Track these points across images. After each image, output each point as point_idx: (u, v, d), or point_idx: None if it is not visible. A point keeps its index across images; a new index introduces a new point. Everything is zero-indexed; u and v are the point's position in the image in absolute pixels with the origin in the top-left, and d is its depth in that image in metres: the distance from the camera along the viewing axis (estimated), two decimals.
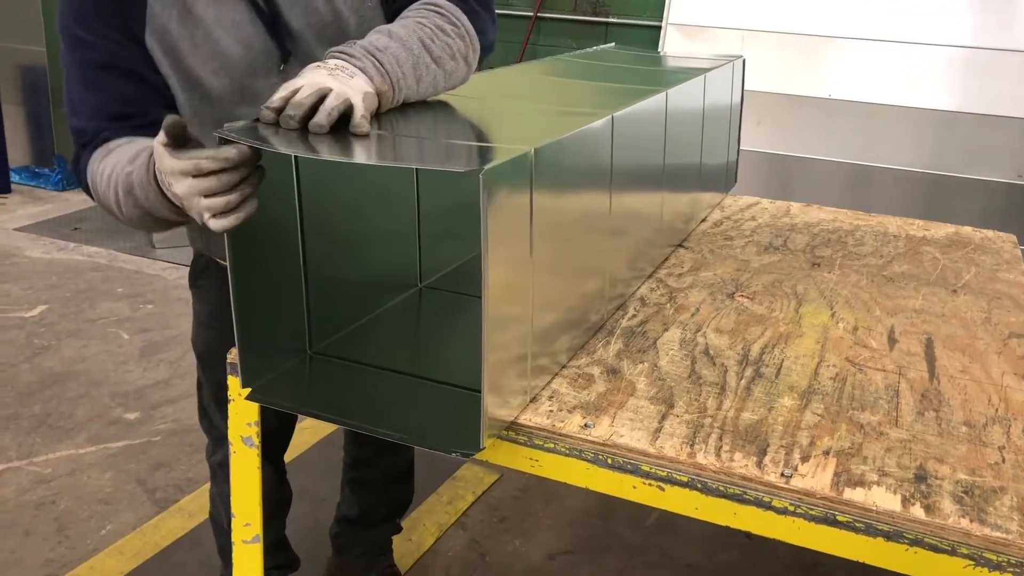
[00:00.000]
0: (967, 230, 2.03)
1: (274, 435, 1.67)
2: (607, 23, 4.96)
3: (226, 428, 1.31)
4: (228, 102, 1.32)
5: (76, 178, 1.31)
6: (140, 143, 1.21)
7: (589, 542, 2.27)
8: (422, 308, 1.50)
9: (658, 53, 2.42)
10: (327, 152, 1.06)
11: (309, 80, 1.12)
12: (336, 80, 1.13)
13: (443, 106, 1.43)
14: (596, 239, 1.40)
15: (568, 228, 1.27)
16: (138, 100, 1.28)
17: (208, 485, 1.79)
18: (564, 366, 1.29)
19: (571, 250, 1.30)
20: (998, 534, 0.95)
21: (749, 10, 4.75)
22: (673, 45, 4.68)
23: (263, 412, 1.27)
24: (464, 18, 1.32)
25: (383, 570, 2.04)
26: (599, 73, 1.94)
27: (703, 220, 2.04)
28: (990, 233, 2.01)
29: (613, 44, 2.38)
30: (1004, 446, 1.12)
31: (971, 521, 0.97)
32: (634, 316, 1.48)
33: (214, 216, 1.04)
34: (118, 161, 1.20)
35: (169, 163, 1.04)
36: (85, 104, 1.28)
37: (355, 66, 1.18)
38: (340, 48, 1.21)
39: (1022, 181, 4.13)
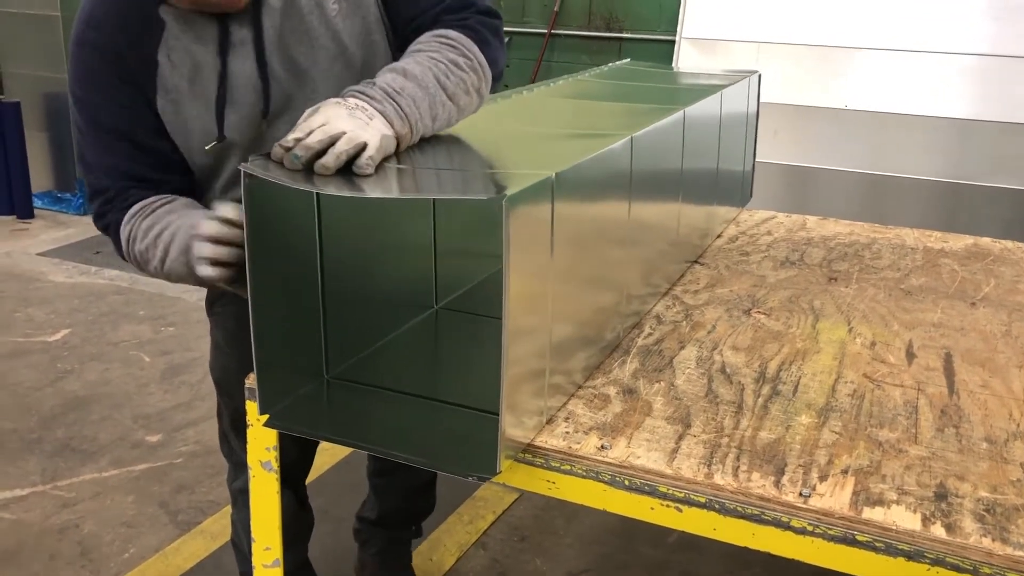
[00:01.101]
0: (986, 241, 2.02)
1: (294, 465, 1.68)
2: (621, 39, 4.97)
3: (245, 454, 1.32)
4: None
5: (103, 232, 1.35)
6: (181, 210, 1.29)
7: (610, 560, 2.26)
8: (439, 329, 1.51)
9: (673, 68, 2.43)
10: (348, 187, 1.08)
11: (325, 118, 1.13)
12: (354, 121, 1.14)
13: (463, 134, 1.45)
14: (613, 256, 1.40)
15: (586, 248, 1.28)
16: (156, 165, 1.33)
17: (229, 507, 1.80)
18: (580, 386, 1.29)
19: (588, 268, 1.31)
20: (1021, 553, 0.94)
21: (763, 22, 4.75)
22: (688, 59, 4.68)
23: (282, 439, 1.28)
24: (476, 49, 1.32)
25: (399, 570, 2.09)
26: (615, 92, 1.95)
27: (719, 235, 2.03)
28: (1009, 244, 1.99)
29: (628, 60, 2.39)
30: None
31: (993, 540, 0.96)
32: (650, 334, 1.48)
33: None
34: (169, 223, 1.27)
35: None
36: (102, 164, 1.33)
37: (375, 108, 1.18)
38: (359, 88, 1.21)
39: None
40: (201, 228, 1.19)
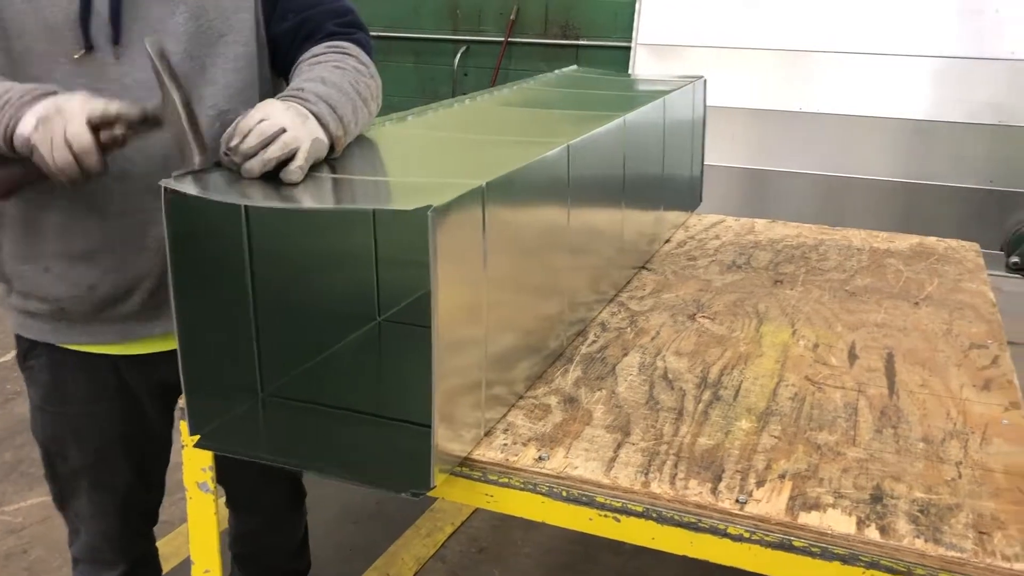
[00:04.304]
0: (931, 240, 2.03)
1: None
2: (578, 46, 4.98)
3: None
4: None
5: None
6: None
7: (569, 569, 2.25)
8: (381, 342, 1.49)
9: (621, 75, 2.43)
10: (278, 197, 1.07)
11: (263, 114, 1.13)
12: (291, 117, 1.14)
13: (399, 142, 1.43)
14: (555, 263, 1.39)
15: (526, 255, 1.27)
16: None
17: (183, 527, 1.76)
18: (522, 396, 1.28)
19: (529, 275, 1.30)
20: (953, 553, 0.94)
21: (719, 27, 4.78)
22: (644, 65, 4.70)
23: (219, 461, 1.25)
24: (368, 58, 1.35)
25: None
26: (559, 99, 1.94)
27: (668, 240, 2.03)
28: (953, 243, 2.01)
29: (575, 67, 2.39)
30: (961, 461, 1.11)
31: (926, 541, 0.96)
32: (594, 342, 1.47)
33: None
34: None
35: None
36: None
37: (309, 110, 1.18)
38: (290, 92, 1.21)
39: (994, 187, 4.14)
40: (89, 105, 1.10)
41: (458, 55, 5.35)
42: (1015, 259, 1.82)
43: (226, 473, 1.46)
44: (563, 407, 1.25)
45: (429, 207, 0.95)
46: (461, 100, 1.83)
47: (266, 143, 1.11)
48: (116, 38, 1.22)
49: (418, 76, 5.55)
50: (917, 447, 1.15)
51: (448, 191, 1.03)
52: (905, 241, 2.03)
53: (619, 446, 1.14)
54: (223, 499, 1.67)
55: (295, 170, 1.12)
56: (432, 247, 0.96)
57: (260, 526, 1.70)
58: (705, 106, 2.26)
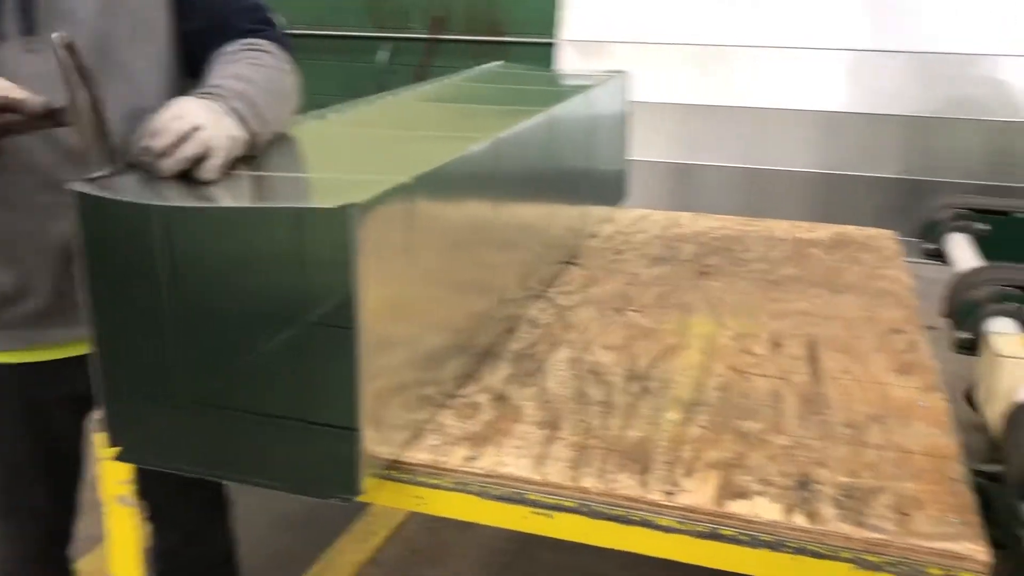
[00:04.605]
0: (851, 229, 2.08)
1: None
2: (504, 43, 4.98)
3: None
4: None
5: None
6: None
7: (506, 567, 2.24)
8: (307, 345, 1.45)
9: (545, 70, 2.43)
10: (195, 197, 1.04)
11: (179, 112, 1.10)
12: (208, 114, 1.11)
13: (322, 138, 1.41)
14: (485, 259, 1.39)
15: (455, 251, 1.26)
16: None
17: (100, 547, 1.70)
18: (452, 396, 1.26)
19: (458, 272, 1.29)
20: (875, 535, 0.96)
21: (642, 23, 4.84)
22: (568, 62, 4.73)
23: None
24: (285, 54, 1.33)
25: None
26: (482, 95, 1.93)
27: (594, 235, 2.04)
28: (873, 231, 2.06)
29: (500, 63, 2.38)
30: (883, 444, 1.14)
31: (851, 524, 0.97)
32: (523, 338, 1.47)
33: None
34: None
35: None
36: None
37: (227, 107, 1.15)
38: (206, 89, 1.18)
39: (908, 176, 4.28)
40: None
41: (383, 53, 5.29)
42: (929, 246, 1.87)
43: (145, 486, 1.41)
44: (493, 405, 1.24)
45: (350, 205, 0.93)
46: (384, 96, 1.80)
47: (180, 141, 1.08)
48: (28, 29, 1.17)
49: (343, 75, 5.48)
50: (841, 432, 1.17)
51: (372, 187, 1.01)
52: (826, 231, 2.07)
53: (549, 442, 1.14)
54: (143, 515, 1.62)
55: (211, 168, 1.09)
56: (353, 245, 0.94)
57: (183, 540, 1.64)
58: (628, 101, 2.27)
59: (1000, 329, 1.38)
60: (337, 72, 5.45)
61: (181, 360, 1.23)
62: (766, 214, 2.49)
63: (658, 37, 4.83)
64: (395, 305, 1.08)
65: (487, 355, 1.40)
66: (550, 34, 4.78)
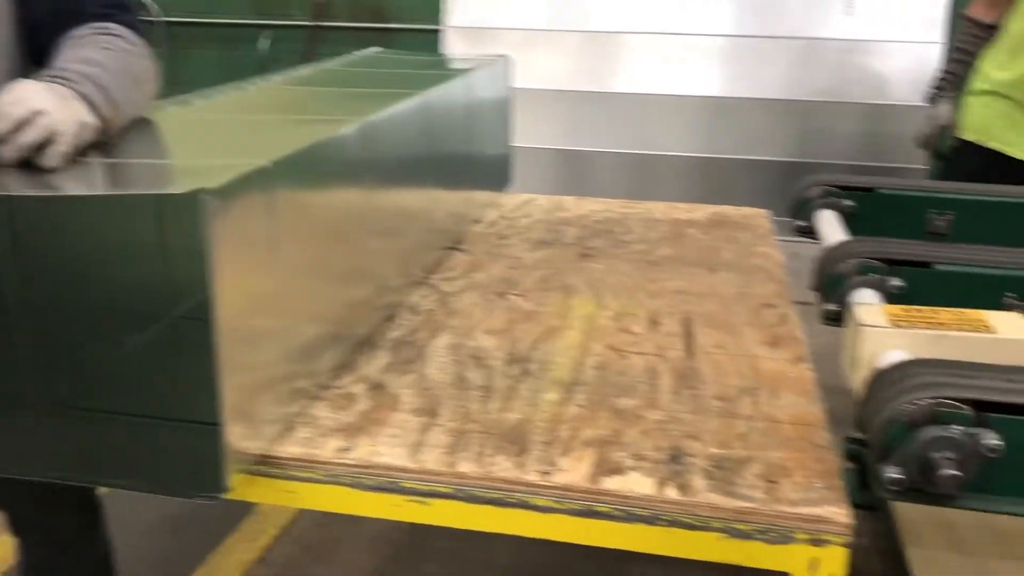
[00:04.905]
0: (728, 209, 2.13)
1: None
2: (390, 29, 4.91)
3: None
4: None
5: None
6: None
7: (397, 559, 2.22)
8: (170, 340, 1.39)
9: (424, 55, 2.40)
10: (39, 186, 0.98)
11: (17, 96, 1.03)
12: (54, 99, 1.05)
13: (183, 124, 1.35)
14: (362, 246, 1.36)
15: (328, 239, 1.23)
16: None
17: None
18: (327, 387, 1.23)
19: (333, 260, 1.25)
20: (744, 504, 0.98)
21: (528, 10, 4.85)
22: (455, 48, 4.70)
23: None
24: (139, 38, 1.27)
25: None
26: (357, 80, 1.89)
27: (479, 220, 2.03)
28: (748, 210, 2.12)
29: (377, 48, 2.34)
30: (752, 415, 1.17)
31: (721, 495, 0.99)
32: (403, 325, 1.44)
33: None
34: None
35: None
36: None
37: (75, 91, 1.09)
38: (52, 72, 1.12)
39: (786, 158, 4.43)
40: None
41: (265, 41, 5.15)
42: (801, 223, 1.93)
43: (5, 496, 1.33)
44: (369, 395, 1.21)
45: (202, 190, 0.89)
46: (254, 82, 1.74)
47: (20, 127, 1.02)
48: None
49: (225, 65, 5.30)
50: (713, 405, 1.19)
51: (229, 172, 0.97)
52: (703, 211, 2.12)
53: (426, 429, 1.12)
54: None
55: (54, 155, 1.03)
56: (207, 233, 0.90)
57: (53, 551, 1.56)
58: (510, 86, 2.26)
59: (863, 300, 1.43)
60: (219, 62, 5.27)
61: (32, 360, 1.16)
62: (653, 198, 2.53)
63: (545, 24, 4.85)
64: (261, 295, 1.05)
65: (365, 344, 1.37)
66: (436, 21, 4.74)
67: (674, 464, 1.05)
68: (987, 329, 1.20)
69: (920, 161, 3.64)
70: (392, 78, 1.87)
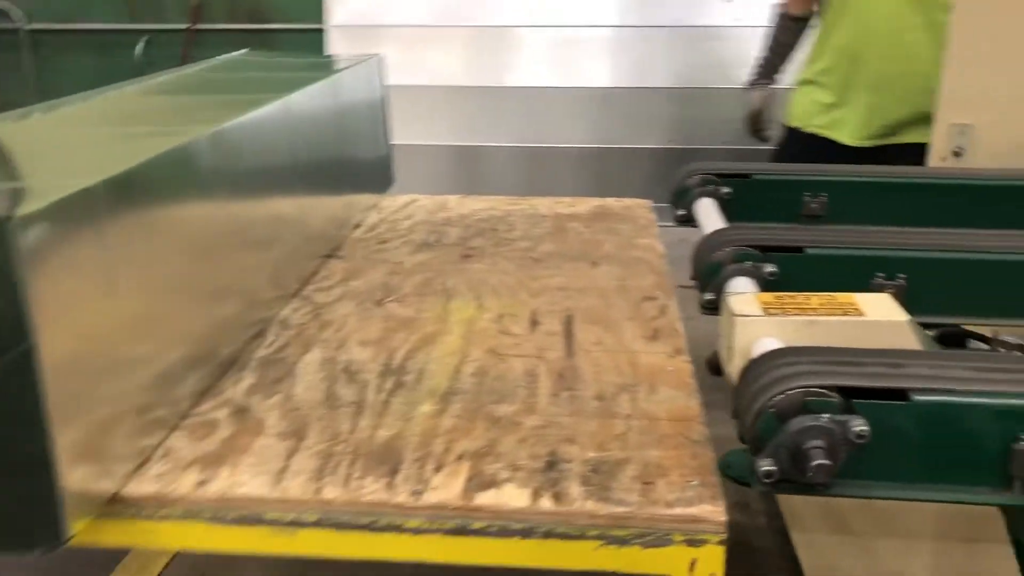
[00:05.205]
0: (610, 201, 2.12)
1: None
2: (270, 30, 4.77)
3: None
4: None
5: None
6: None
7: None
8: (14, 377, 1.29)
9: (294, 58, 2.31)
10: None
11: None
12: None
13: (16, 142, 1.25)
14: (225, 261, 1.29)
15: (183, 256, 1.16)
16: None
17: None
18: (186, 415, 1.16)
19: (190, 279, 1.18)
20: (620, 509, 0.95)
21: (415, 6, 4.78)
22: (339, 48, 4.60)
23: None
24: None
25: None
26: (218, 86, 1.80)
27: (359, 225, 1.97)
28: (629, 201, 2.11)
29: (246, 51, 2.24)
30: (631, 414, 1.15)
31: (596, 501, 0.96)
32: (273, 342, 1.38)
33: None
34: None
35: None
36: None
37: None
38: None
39: (673, 145, 4.49)
40: None
41: (140, 46, 4.93)
42: (681, 212, 1.93)
43: None
44: (232, 420, 1.15)
45: (9, 217, 0.81)
46: (104, 91, 1.64)
47: None
48: None
49: (98, 72, 5.06)
50: (591, 406, 1.17)
51: (48, 195, 0.89)
52: (586, 204, 2.10)
53: (292, 454, 1.06)
54: None
55: None
56: (18, 265, 0.82)
57: None
58: (384, 84, 2.21)
59: (739, 288, 1.43)
60: (93, 69, 5.02)
61: None
62: (548, 190, 2.51)
63: (434, 20, 4.79)
64: (103, 325, 0.97)
65: (231, 365, 1.30)
66: (318, 19, 4.62)
67: (550, 472, 1.02)
68: (857, 312, 1.21)
69: None
70: (254, 83, 1.80)
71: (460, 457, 1.05)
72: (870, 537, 1.35)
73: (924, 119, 2.55)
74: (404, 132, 4.63)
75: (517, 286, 1.59)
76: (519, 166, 4.72)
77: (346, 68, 1.93)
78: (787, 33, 2.92)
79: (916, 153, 2.49)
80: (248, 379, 1.25)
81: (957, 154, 2.28)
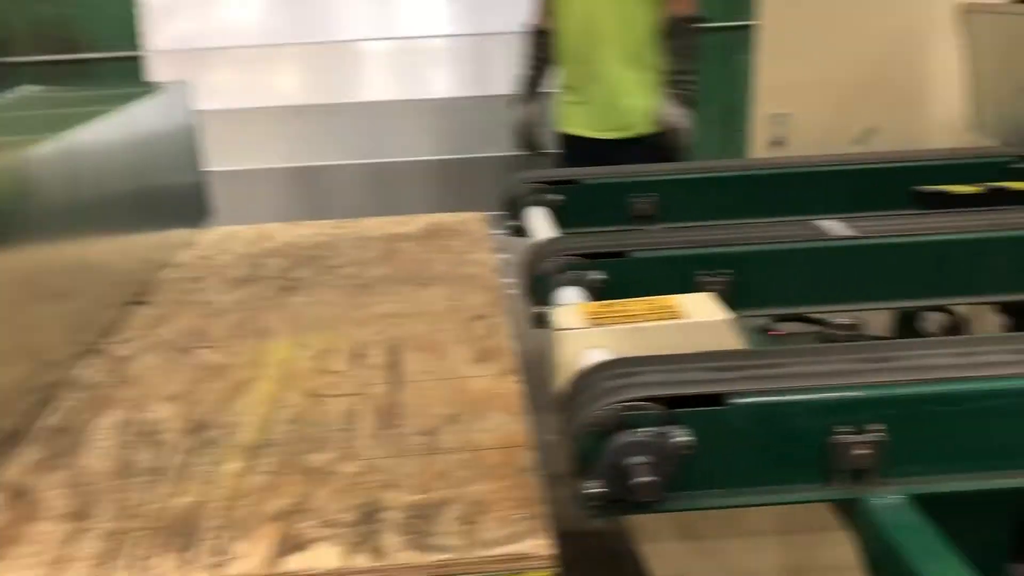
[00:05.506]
0: (444, 217, 2.06)
1: None
2: (84, 60, 4.48)
3: None
4: None
5: None
6: None
7: None
8: None
9: (88, 91, 2.14)
10: None
11: None
12: None
13: None
14: (12, 321, 1.14)
15: None
16: None
17: None
18: None
19: None
20: (441, 556, 0.88)
21: (243, 27, 4.61)
22: (163, 74, 4.37)
23: None
24: None
25: None
26: None
27: (171, 264, 1.82)
28: (463, 215, 2.06)
29: (30, 87, 2.05)
30: (456, 447, 1.08)
31: (415, 551, 0.89)
32: (63, 408, 1.24)
33: None
34: None
35: None
36: None
37: None
38: None
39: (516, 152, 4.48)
40: None
41: None
42: (513, 222, 1.88)
43: None
44: (7, 505, 1.01)
45: None
46: None
47: None
48: None
49: None
50: (414, 443, 1.10)
51: None
52: (419, 222, 2.03)
53: (74, 538, 0.94)
54: None
55: None
56: None
57: None
58: (192, 111, 2.07)
59: (567, 299, 1.39)
60: None
61: None
62: (395, 207, 2.43)
63: (265, 39, 4.63)
64: None
65: (10, 440, 1.15)
66: (134, 46, 4.38)
67: (367, 524, 0.94)
68: (679, 315, 1.18)
69: None
70: (33, 122, 1.64)
71: (268, 519, 0.96)
72: (718, 539, 1.33)
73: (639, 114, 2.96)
74: (239, 158, 4.46)
75: (341, 317, 1.50)
76: (364, 184, 4.61)
77: (143, 98, 1.79)
78: (538, 47, 3.20)
79: (651, 144, 2.82)
80: (30, 454, 1.12)
81: (777, 143, 2.35)
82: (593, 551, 1.32)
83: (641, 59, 3.01)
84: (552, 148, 3.23)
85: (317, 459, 1.07)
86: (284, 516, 0.96)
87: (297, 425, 1.15)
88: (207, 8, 4.65)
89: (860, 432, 0.93)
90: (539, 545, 0.89)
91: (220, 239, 1.98)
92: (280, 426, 1.15)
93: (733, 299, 1.45)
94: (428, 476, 1.02)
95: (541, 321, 1.42)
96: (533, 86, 3.23)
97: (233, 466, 1.06)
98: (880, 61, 2.31)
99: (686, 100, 2.97)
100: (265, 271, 1.76)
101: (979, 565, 0.97)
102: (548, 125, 3.21)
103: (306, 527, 0.94)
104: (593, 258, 1.47)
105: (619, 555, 1.41)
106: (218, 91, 4.54)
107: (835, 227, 1.56)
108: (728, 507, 0.96)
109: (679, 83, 2.98)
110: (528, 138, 3.25)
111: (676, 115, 2.98)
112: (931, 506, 0.95)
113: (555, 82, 3.17)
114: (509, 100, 3.28)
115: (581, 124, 3.10)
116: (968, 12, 2.26)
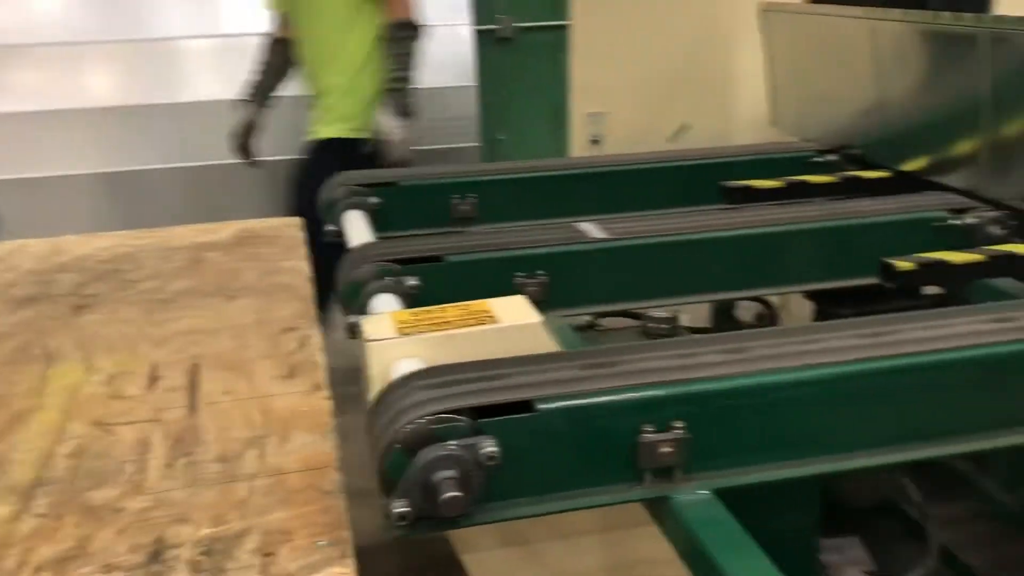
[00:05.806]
0: (255, 223, 1.96)
1: None
2: None
3: None
4: None
5: None
6: None
7: None
8: None
9: None
10: None
11: None
12: None
13: None
14: None
15: None
16: None
17: None
18: None
19: None
20: None
21: (49, 23, 4.27)
22: None
23: None
24: None
25: None
26: None
27: None
28: (276, 221, 1.97)
29: None
30: (256, 472, 1.01)
31: None
32: None
33: None
34: None
35: None
36: None
37: None
38: None
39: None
40: None
41: None
42: (332, 227, 1.82)
43: None
44: None
45: None
46: None
47: None
48: None
49: None
50: (211, 471, 1.02)
51: None
52: (229, 229, 1.92)
53: None
54: None
55: None
56: None
57: None
58: None
59: (382, 307, 1.35)
60: None
61: None
62: (220, 211, 2.28)
63: (76, 36, 4.31)
64: None
65: None
66: None
67: (154, 564, 0.86)
68: (492, 319, 1.16)
69: (473, 139, 3.75)
70: None
71: (40, 568, 0.86)
72: (541, 543, 1.32)
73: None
74: (44, 164, 4.12)
75: (137, 337, 1.39)
76: (185, 190, 4.37)
77: None
78: (273, 54, 3.26)
79: (351, 148, 2.95)
80: None
81: (595, 142, 2.39)
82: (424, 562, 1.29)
83: (359, 66, 3.01)
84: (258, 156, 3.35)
85: (100, 496, 0.97)
86: (58, 563, 0.86)
87: (79, 460, 1.05)
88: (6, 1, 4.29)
89: (664, 431, 0.94)
90: (341, 573, 0.84)
91: (5, 255, 1.81)
92: (60, 462, 1.05)
93: (551, 299, 1.46)
94: (225, 506, 0.95)
95: (354, 331, 1.37)
96: (260, 92, 3.29)
97: (4, 510, 0.95)
98: (690, 60, 2.39)
99: (402, 109, 2.91)
100: (55, 288, 1.61)
101: (793, 546, 1.00)
102: (264, 132, 3.32)
103: (85, 573, 0.85)
104: (409, 263, 1.43)
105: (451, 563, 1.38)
106: (17, 92, 4.20)
107: (640, 224, 1.59)
108: (540, 515, 0.95)
109: (394, 91, 2.91)
110: (240, 143, 3.30)
111: (391, 125, 2.91)
112: (739, 498, 0.97)
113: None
114: (234, 104, 3.29)
115: (317, 129, 3.14)
116: (766, 11, 2.37)
